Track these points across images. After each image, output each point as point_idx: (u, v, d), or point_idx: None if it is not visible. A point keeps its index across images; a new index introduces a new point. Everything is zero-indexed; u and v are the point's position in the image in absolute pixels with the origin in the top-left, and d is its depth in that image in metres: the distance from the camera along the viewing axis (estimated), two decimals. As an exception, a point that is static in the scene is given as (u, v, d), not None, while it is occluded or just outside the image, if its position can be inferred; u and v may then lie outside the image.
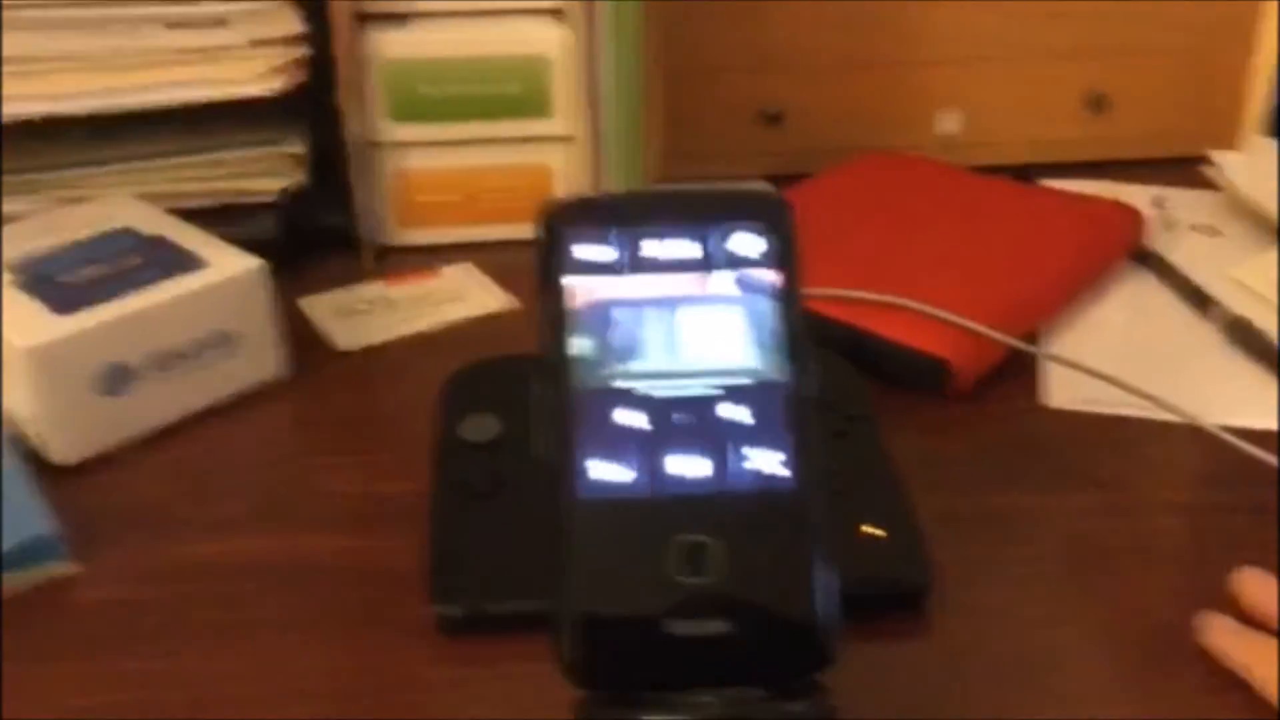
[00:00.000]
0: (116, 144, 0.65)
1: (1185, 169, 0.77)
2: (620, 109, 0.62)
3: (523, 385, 0.53)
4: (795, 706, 0.32)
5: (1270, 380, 0.57)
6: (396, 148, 0.69)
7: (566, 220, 0.36)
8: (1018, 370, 0.59)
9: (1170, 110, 0.79)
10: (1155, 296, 0.65)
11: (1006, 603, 0.46)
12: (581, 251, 0.36)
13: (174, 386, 0.54)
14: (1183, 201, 0.74)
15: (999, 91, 0.79)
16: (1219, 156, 0.73)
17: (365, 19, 0.66)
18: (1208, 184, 0.76)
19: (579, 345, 0.35)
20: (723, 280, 0.36)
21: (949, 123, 0.79)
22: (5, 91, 0.62)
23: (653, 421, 0.34)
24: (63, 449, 0.52)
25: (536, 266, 0.36)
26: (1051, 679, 0.43)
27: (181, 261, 0.55)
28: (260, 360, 0.57)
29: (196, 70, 0.63)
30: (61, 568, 0.47)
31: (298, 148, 0.67)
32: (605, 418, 0.35)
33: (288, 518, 0.51)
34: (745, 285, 0.36)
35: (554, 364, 0.35)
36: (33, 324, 0.51)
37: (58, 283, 0.54)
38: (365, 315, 0.65)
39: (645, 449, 0.34)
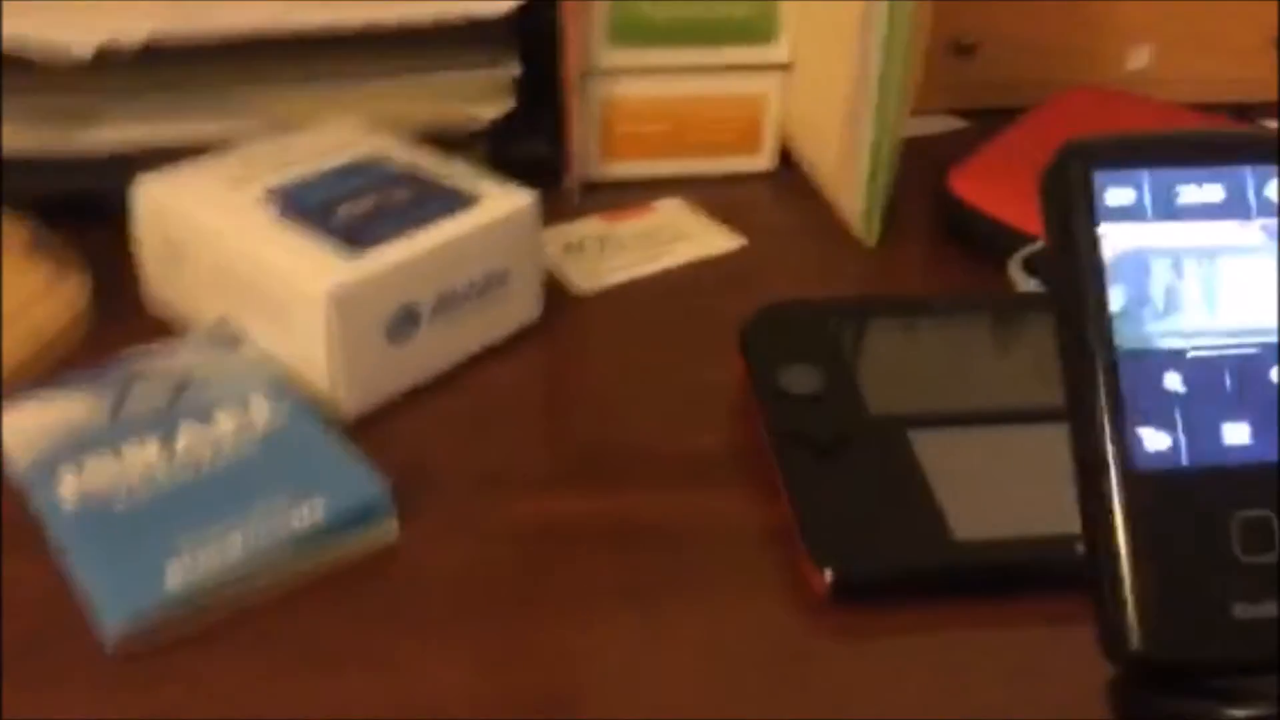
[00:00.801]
0: (318, 63, 0.60)
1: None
2: (898, 31, 0.58)
3: (832, 332, 0.51)
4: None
5: None
6: (610, 74, 0.65)
7: (1095, 161, 0.33)
8: None
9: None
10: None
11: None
12: (1113, 196, 0.33)
13: (452, 331, 0.50)
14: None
15: (1188, 28, 0.77)
16: None
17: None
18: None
19: (1115, 301, 0.32)
20: (1257, 228, 0.33)
21: (1139, 58, 0.77)
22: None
23: (1200, 385, 0.32)
24: (352, 401, 0.48)
25: (1052, 212, 0.33)
26: None
27: (452, 196, 0.51)
28: (524, 302, 0.54)
29: (422, -13, 0.58)
30: (389, 530, 0.44)
31: (513, 71, 0.62)
32: (1150, 381, 0.32)
33: (605, 474, 0.48)
34: (1281, 235, 0.33)
35: (1087, 321, 0.32)
36: (324, 263, 0.47)
37: (337, 217, 0.49)
38: (594, 254, 0.61)
39: (1194, 415, 0.32)
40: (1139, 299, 0.33)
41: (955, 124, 0.75)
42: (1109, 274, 0.33)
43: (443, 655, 0.40)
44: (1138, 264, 0.33)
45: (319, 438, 0.45)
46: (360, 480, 0.43)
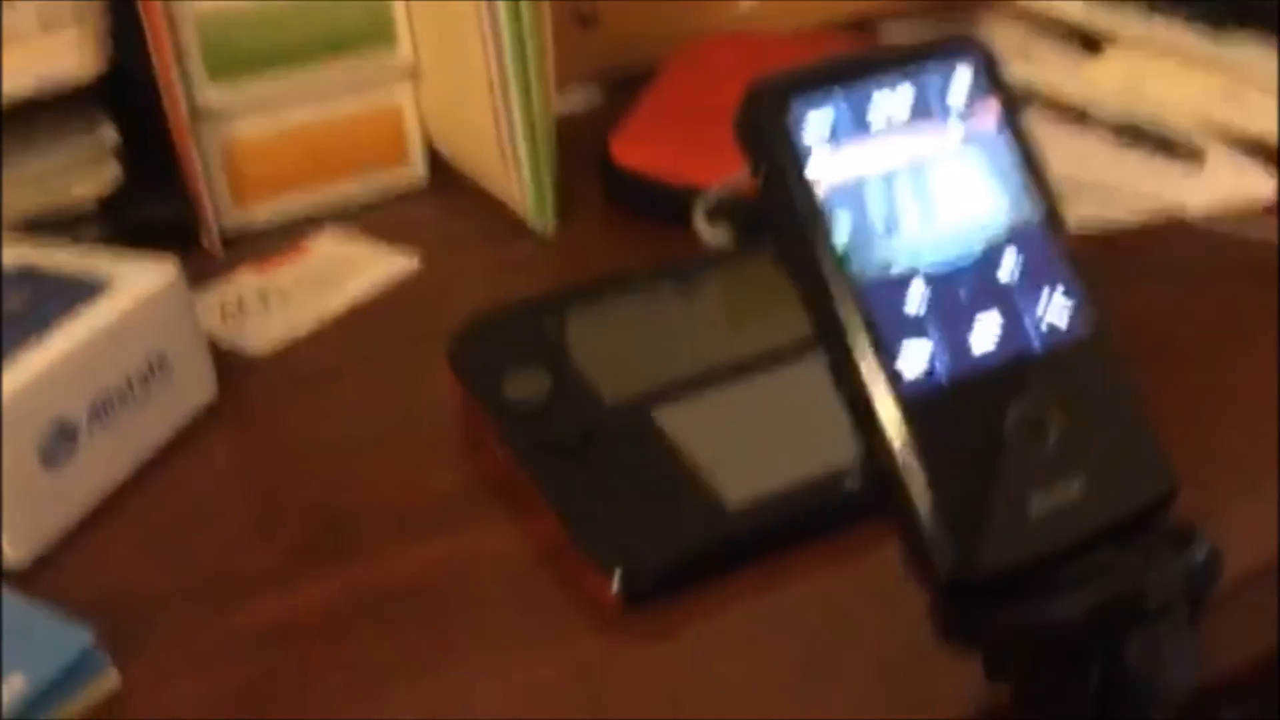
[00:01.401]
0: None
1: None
2: (522, 11, 0.55)
3: (544, 331, 0.48)
4: (1199, 552, 0.30)
5: (1177, 163, 0.61)
6: (224, 114, 0.58)
7: (788, 96, 0.31)
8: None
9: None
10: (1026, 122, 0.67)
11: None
12: (813, 128, 0.31)
13: (119, 435, 0.44)
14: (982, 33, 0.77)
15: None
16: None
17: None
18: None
19: (841, 232, 0.31)
20: (952, 131, 0.32)
21: (749, -4, 0.78)
22: None
23: (941, 297, 0.31)
24: (23, 543, 0.40)
25: (757, 155, 0.31)
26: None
27: (80, 286, 0.44)
28: (195, 383, 0.47)
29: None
30: (109, 680, 0.37)
31: (111, 138, 0.55)
32: (895, 305, 0.31)
33: (342, 548, 0.42)
34: (975, 131, 0.33)
35: (821, 259, 0.31)
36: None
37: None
38: (257, 312, 0.55)
39: (943, 328, 0.31)
40: (863, 225, 0.31)
41: (594, 95, 0.73)
42: (828, 206, 0.31)
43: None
44: (853, 191, 0.31)
45: (14, 606, 0.37)
46: (61, 638, 0.36)
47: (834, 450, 0.42)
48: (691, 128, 0.63)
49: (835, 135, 0.31)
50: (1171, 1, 0.67)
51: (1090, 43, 0.73)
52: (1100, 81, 0.68)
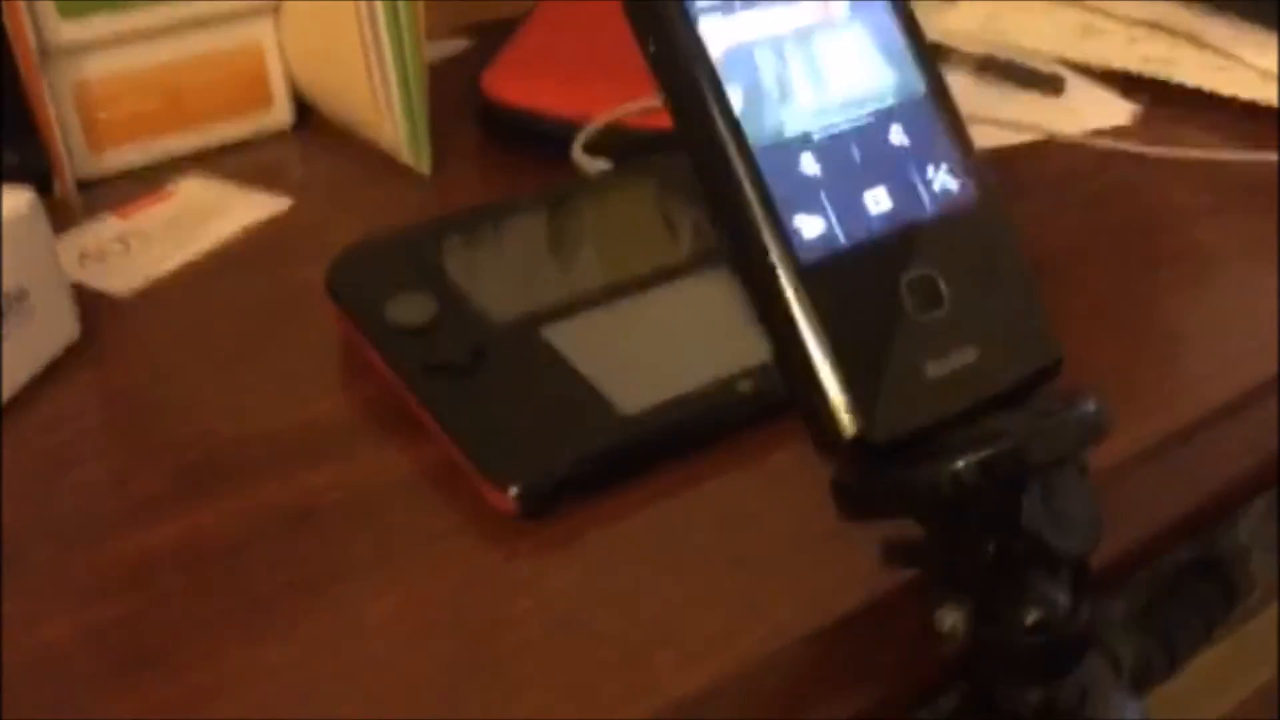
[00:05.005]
0: None
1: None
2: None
3: (424, 257, 0.47)
4: (1087, 406, 0.31)
5: (1034, 95, 0.62)
6: (76, 54, 0.56)
7: None
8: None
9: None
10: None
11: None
12: (698, 2, 0.31)
13: (-22, 372, 0.41)
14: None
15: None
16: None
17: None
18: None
19: (735, 98, 0.30)
20: (837, 3, 0.33)
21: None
22: None
23: (834, 163, 0.31)
24: None
25: (647, 25, 0.31)
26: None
27: (-73, 214, 0.41)
28: (57, 318, 0.45)
29: None
30: (-25, 620, 0.35)
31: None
32: (790, 171, 0.31)
33: (224, 476, 0.41)
34: (860, 5, 0.33)
35: (716, 127, 0.30)
36: None
37: None
38: (119, 256, 0.53)
39: (837, 194, 0.31)
40: (756, 92, 0.31)
41: (460, 44, 0.72)
42: (721, 72, 0.31)
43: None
44: (743, 58, 0.31)
45: None
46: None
47: (723, 360, 0.42)
48: (564, 64, 0.62)
49: (724, 3, 0.31)
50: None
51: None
52: (961, 24, 0.69)
